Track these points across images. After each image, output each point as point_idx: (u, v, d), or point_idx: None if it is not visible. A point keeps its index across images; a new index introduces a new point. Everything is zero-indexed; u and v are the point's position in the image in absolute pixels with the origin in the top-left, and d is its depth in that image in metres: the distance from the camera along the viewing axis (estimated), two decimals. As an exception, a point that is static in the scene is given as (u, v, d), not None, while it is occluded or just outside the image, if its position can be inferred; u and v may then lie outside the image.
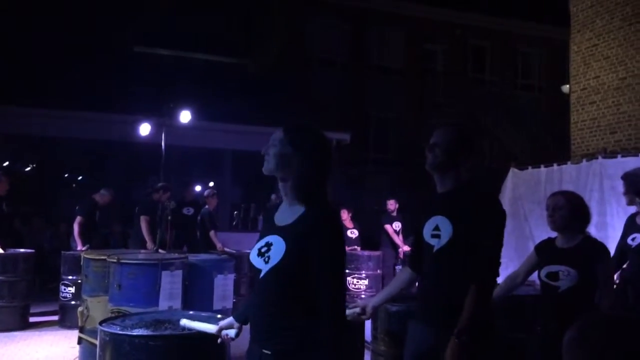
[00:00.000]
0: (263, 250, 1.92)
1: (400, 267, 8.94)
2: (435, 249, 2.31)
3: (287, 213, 1.95)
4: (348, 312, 2.70)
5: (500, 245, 2.29)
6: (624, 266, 4.06)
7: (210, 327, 2.29)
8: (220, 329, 2.18)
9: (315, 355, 1.80)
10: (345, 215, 8.94)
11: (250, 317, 2.03)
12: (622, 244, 3.98)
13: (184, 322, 2.58)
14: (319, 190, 1.93)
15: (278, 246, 1.88)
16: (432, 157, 2.37)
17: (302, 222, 1.89)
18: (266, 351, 1.87)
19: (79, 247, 6.98)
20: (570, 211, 2.86)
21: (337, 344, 1.80)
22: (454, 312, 2.23)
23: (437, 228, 2.32)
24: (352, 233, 8.97)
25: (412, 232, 9.92)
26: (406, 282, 2.60)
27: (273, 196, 7.86)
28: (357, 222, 9.22)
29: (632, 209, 4.08)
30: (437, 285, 2.32)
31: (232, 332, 2.13)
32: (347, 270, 8.31)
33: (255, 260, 1.93)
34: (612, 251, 3.78)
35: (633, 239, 3.88)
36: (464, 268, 2.23)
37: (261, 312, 1.94)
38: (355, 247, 8.77)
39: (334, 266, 1.85)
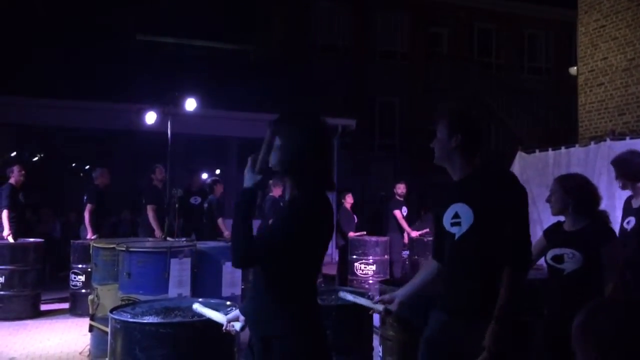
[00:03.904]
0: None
1: (407, 252, 8.96)
2: (456, 236, 2.26)
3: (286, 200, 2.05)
4: (370, 304, 2.64)
5: (528, 224, 2.25)
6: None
7: (219, 317, 2.31)
8: (228, 322, 2.21)
9: (297, 340, 1.87)
10: (350, 199, 8.97)
11: (247, 303, 2.10)
12: (621, 228, 3.95)
13: (196, 306, 2.60)
14: (309, 177, 1.96)
15: None
16: (435, 151, 2.37)
17: (284, 211, 1.99)
18: (256, 336, 1.96)
19: (90, 235, 7.04)
20: (563, 195, 2.86)
21: (306, 328, 1.89)
22: (477, 299, 2.22)
23: (456, 216, 2.27)
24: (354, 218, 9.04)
25: (417, 217, 9.95)
26: (432, 275, 2.54)
27: (270, 181, 7.88)
28: (356, 208, 9.26)
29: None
30: (460, 273, 2.28)
31: (237, 325, 2.15)
32: (354, 256, 8.35)
33: None
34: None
35: (628, 222, 3.85)
36: (486, 253, 2.20)
37: (251, 298, 2.03)
38: (352, 232, 8.80)
39: (272, 230, 1.90)
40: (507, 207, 2.20)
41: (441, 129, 2.34)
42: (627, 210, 3.94)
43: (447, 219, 2.32)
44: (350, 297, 2.82)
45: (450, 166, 2.36)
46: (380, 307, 2.52)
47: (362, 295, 2.91)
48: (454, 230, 2.28)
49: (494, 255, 2.19)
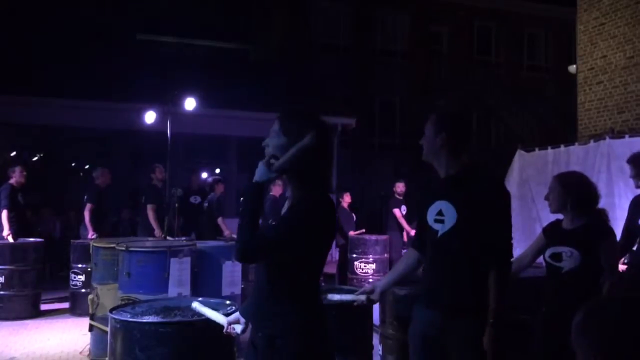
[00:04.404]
0: None
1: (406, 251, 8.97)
2: (439, 234, 2.31)
3: (287, 200, 2.03)
4: (353, 297, 2.68)
5: (511, 226, 2.31)
6: (634, 248, 4.02)
7: (219, 318, 2.31)
8: (229, 324, 2.21)
9: (301, 338, 1.88)
10: (348, 198, 8.98)
11: (247, 305, 2.11)
12: (630, 226, 3.94)
13: (195, 305, 2.59)
14: (314, 177, 1.95)
15: None
16: (423, 148, 2.44)
17: (288, 210, 1.96)
18: (259, 334, 1.96)
19: (90, 234, 7.04)
20: (561, 193, 2.86)
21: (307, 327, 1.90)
22: (458, 296, 2.26)
23: (440, 213, 2.32)
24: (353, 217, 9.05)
25: (416, 216, 9.99)
26: (412, 265, 2.60)
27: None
28: (354, 207, 9.27)
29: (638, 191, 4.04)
30: (441, 270, 2.33)
31: (238, 328, 2.15)
32: (354, 255, 8.36)
33: None
34: (619, 232, 3.76)
35: None
36: (468, 252, 2.25)
37: (254, 296, 2.03)
38: (352, 231, 8.84)
39: (275, 227, 1.89)
40: (491, 209, 2.25)
41: (429, 127, 2.42)
42: None
43: (430, 215, 2.37)
44: (336, 298, 2.85)
45: (437, 163, 2.42)
46: (362, 297, 2.57)
47: (349, 292, 2.93)
48: (437, 226, 2.33)
49: (475, 254, 2.24)
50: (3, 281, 6.56)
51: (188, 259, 4.34)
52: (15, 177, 6.98)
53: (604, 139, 6.95)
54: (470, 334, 2.21)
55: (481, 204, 2.24)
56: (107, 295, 4.69)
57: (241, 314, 2.16)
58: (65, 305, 7.06)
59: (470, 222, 2.24)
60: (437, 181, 2.43)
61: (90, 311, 4.92)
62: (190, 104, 8.34)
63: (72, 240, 7.12)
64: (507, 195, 2.33)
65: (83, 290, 6.50)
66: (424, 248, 2.48)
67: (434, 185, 2.45)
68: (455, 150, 2.36)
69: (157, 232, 7.11)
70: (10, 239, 6.70)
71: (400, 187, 8.88)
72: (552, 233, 2.95)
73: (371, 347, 3.52)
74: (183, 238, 6.55)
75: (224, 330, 2.21)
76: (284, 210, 2.03)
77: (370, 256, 8.31)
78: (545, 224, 3.15)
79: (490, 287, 2.20)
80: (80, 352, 5.17)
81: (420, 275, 2.71)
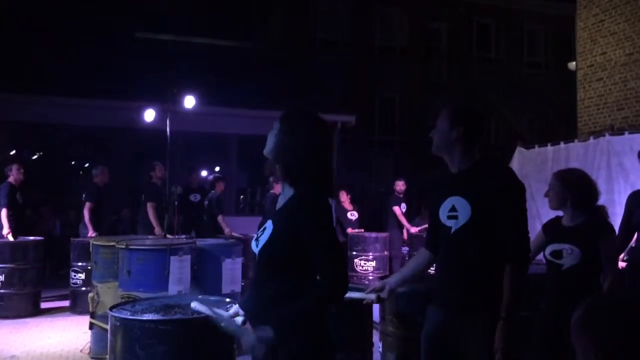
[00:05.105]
0: (259, 234, 2.00)
1: (407, 248, 8.97)
2: (452, 230, 2.26)
3: (282, 197, 2.02)
4: (363, 295, 2.66)
5: (526, 219, 2.26)
6: (632, 244, 4.02)
7: (220, 314, 2.30)
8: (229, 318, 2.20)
9: (302, 337, 1.87)
10: (344, 197, 8.95)
11: (246, 299, 2.09)
12: (628, 221, 3.93)
13: (195, 304, 2.60)
14: (309, 174, 1.95)
15: (268, 230, 1.95)
16: (434, 141, 2.38)
17: (288, 205, 1.96)
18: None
19: (90, 233, 7.04)
20: (561, 190, 2.86)
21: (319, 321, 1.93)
22: (472, 294, 2.22)
23: (453, 209, 2.27)
24: (352, 215, 9.00)
25: (417, 213, 9.96)
26: (423, 264, 2.56)
27: (271, 178, 7.87)
28: (356, 204, 9.24)
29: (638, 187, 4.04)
30: (455, 267, 2.28)
31: (238, 320, 2.15)
32: (354, 252, 8.36)
33: (253, 244, 2.02)
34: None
35: None
36: (482, 248, 2.20)
37: (253, 295, 2.02)
38: (352, 229, 8.81)
39: (323, 246, 1.88)
40: (506, 203, 2.21)
41: (443, 120, 2.35)
42: None
43: (443, 212, 2.31)
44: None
45: (450, 158, 2.36)
46: (372, 296, 2.53)
47: (358, 290, 2.92)
48: (450, 223, 2.27)
49: (490, 250, 2.20)
50: (3, 279, 6.57)
51: (188, 257, 4.34)
52: (13, 175, 6.97)
53: (604, 135, 6.95)
54: (485, 333, 2.16)
55: (496, 198, 2.19)
56: (107, 293, 4.69)
57: (241, 307, 2.16)
58: (66, 303, 7.07)
59: (485, 216, 2.19)
60: (449, 177, 2.37)
61: (90, 309, 4.92)
62: (189, 101, 8.34)
63: (72, 239, 7.12)
64: (522, 188, 2.28)
65: (83, 289, 6.52)
66: (436, 248, 2.42)
67: (445, 182, 2.39)
68: (470, 145, 2.31)
69: (157, 230, 7.12)
70: (10, 238, 6.70)
71: (400, 184, 8.88)
72: (552, 230, 2.96)
73: (371, 344, 3.52)
74: (183, 236, 6.56)
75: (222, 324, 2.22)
76: (278, 205, 2.02)
77: (370, 254, 8.31)
78: (545, 221, 3.15)
79: (505, 282, 2.16)
80: (81, 350, 5.18)
81: (430, 274, 2.68)
